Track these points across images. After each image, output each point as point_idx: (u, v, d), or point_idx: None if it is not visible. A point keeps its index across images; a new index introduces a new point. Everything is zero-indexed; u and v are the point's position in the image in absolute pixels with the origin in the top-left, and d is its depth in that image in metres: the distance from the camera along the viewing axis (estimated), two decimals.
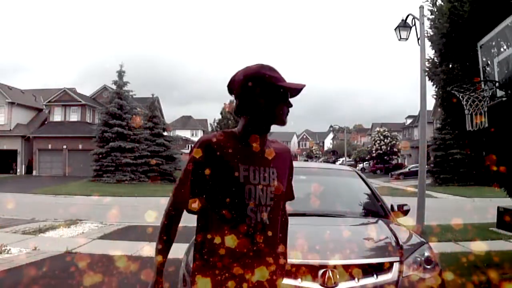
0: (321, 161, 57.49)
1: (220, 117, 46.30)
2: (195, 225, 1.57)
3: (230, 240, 1.48)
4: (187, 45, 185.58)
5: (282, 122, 1.58)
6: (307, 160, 63.41)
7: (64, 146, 31.84)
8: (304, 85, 1.56)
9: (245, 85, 1.54)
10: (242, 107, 1.57)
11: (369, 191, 3.87)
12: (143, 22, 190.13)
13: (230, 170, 1.51)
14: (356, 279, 2.44)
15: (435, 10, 5.29)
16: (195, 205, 1.52)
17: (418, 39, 9.06)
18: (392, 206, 3.71)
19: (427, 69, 5.79)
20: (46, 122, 34.16)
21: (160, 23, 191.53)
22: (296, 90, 1.58)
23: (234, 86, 1.59)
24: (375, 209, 3.67)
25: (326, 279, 2.41)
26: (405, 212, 3.73)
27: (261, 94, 1.53)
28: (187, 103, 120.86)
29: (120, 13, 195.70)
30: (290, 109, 1.59)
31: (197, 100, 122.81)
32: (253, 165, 1.55)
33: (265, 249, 1.53)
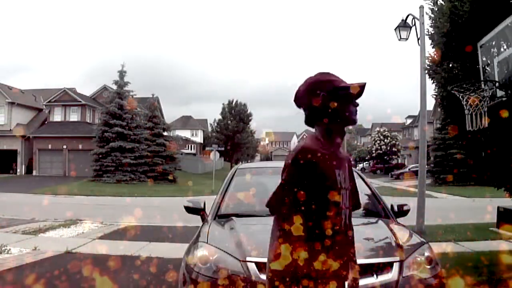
0: None
1: (220, 117, 46.39)
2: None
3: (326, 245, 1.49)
4: (188, 46, 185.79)
5: (353, 122, 1.63)
6: None
7: (64, 146, 31.82)
8: (365, 83, 1.61)
9: (309, 96, 1.60)
10: (313, 116, 1.63)
11: (369, 191, 3.86)
12: (144, 23, 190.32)
13: (329, 176, 1.53)
14: None
15: (436, 9, 5.30)
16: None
17: (418, 39, 9.06)
18: (392, 206, 3.70)
19: (427, 67, 5.79)
20: (46, 122, 34.13)
21: (161, 24, 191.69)
22: (359, 89, 1.62)
23: (299, 100, 1.66)
24: (375, 209, 3.66)
25: None
26: (405, 212, 3.73)
27: (326, 100, 1.57)
28: (187, 103, 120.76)
29: (121, 14, 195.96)
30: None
31: (197, 100, 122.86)
32: (339, 169, 1.60)
33: (347, 252, 1.60)
